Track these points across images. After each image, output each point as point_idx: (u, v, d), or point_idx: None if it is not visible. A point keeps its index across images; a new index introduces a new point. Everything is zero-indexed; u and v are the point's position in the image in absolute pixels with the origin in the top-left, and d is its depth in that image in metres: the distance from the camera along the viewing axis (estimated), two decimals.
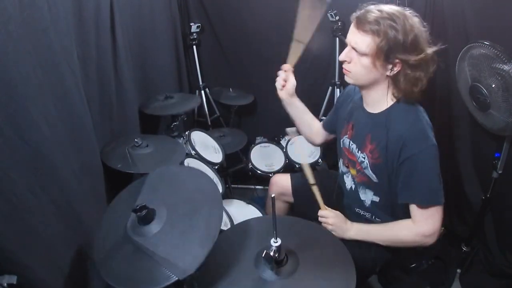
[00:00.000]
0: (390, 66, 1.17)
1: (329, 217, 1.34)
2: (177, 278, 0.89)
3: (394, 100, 1.25)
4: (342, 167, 1.52)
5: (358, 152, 1.35)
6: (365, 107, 1.34)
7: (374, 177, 1.31)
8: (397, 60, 1.15)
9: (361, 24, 1.15)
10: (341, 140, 1.47)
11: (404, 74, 1.17)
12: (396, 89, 1.22)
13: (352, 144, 1.39)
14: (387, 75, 1.20)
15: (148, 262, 0.94)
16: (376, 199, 1.36)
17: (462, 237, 2.02)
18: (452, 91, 1.86)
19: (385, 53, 1.14)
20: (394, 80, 1.21)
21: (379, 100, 1.27)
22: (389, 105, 1.26)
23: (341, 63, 1.27)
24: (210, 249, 0.92)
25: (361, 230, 1.35)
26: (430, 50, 1.16)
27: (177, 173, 1.28)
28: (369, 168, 1.31)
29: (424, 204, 1.21)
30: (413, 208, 1.23)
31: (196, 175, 1.21)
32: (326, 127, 1.65)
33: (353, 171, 1.41)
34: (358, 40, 1.17)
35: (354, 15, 1.20)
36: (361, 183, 1.38)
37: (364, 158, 1.32)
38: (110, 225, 1.10)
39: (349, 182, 1.47)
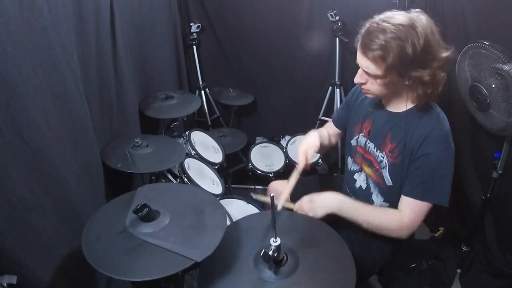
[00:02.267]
0: (406, 79, 1.15)
1: (302, 206, 1.30)
2: (194, 261, 0.92)
3: (413, 104, 1.24)
4: (352, 165, 1.49)
5: (377, 151, 1.33)
6: (384, 106, 1.34)
7: (389, 180, 1.29)
8: (412, 74, 1.12)
9: (367, 49, 1.13)
10: (355, 138, 1.44)
11: (422, 83, 1.14)
12: (416, 94, 1.19)
13: (369, 143, 1.37)
14: (405, 84, 1.17)
15: (155, 254, 0.95)
16: (386, 204, 1.35)
17: (462, 237, 2.02)
18: (452, 91, 1.86)
19: (397, 71, 1.13)
20: (412, 88, 1.18)
21: (400, 102, 1.26)
22: (409, 107, 1.25)
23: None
24: (222, 235, 0.99)
25: (345, 203, 1.29)
26: (444, 54, 1.12)
27: (167, 187, 1.32)
28: (387, 169, 1.29)
29: (427, 201, 1.19)
30: (409, 201, 1.21)
31: (188, 188, 1.23)
32: (339, 124, 1.65)
33: (369, 170, 1.38)
34: (368, 65, 1.15)
35: (359, 37, 1.17)
36: (376, 184, 1.36)
37: (384, 157, 1.30)
38: (101, 228, 1.07)
39: (360, 181, 1.44)
